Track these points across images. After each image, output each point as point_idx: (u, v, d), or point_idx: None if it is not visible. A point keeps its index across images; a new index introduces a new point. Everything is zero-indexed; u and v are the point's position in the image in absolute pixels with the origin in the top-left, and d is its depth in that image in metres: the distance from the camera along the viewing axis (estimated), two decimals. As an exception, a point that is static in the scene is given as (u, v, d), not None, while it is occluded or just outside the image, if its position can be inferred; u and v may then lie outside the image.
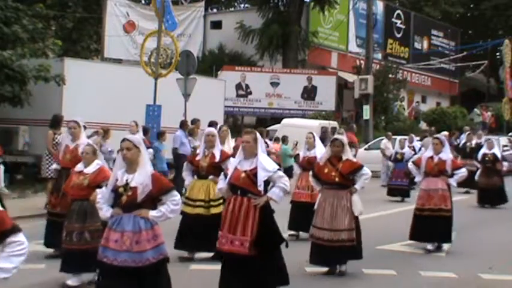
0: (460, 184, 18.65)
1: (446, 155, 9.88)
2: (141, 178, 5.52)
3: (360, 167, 8.17)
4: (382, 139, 22.48)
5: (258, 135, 6.72)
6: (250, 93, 31.54)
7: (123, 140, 5.66)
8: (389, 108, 31.99)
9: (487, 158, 15.91)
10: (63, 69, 16.65)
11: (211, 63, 32.44)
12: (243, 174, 6.47)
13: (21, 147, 16.74)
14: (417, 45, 41.72)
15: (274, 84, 31.65)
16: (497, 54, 41.74)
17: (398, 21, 40.23)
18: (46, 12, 21.83)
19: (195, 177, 9.12)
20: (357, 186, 8.12)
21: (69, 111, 14.93)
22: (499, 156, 16.11)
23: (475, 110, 36.04)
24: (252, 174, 6.44)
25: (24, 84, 16.13)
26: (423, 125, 33.73)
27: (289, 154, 18.33)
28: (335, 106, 31.92)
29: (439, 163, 9.83)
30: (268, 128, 23.65)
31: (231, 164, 6.77)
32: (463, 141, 19.63)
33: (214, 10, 43.04)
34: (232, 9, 43.87)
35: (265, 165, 6.48)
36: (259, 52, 33.41)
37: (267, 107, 31.76)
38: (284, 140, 19.00)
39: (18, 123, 16.84)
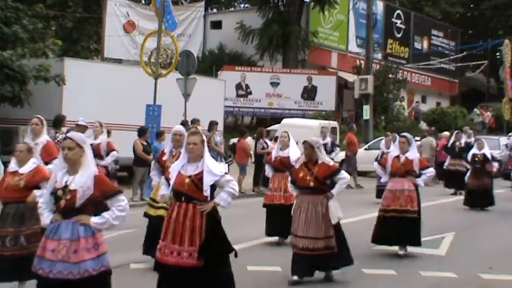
0: (449, 185, 18.40)
1: (413, 154, 9.50)
2: (82, 180, 5.05)
3: (337, 170, 7.78)
4: (382, 139, 22.48)
5: (204, 136, 6.23)
6: (250, 93, 31.55)
7: (65, 138, 5.30)
8: (389, 108, 32.00)
9: (476, 159, 15.35)
10: (63, 69, 16.66)
11: (211, 63, 32.45)
12: (187, 180, 5.95)
13: (21, 147, 16.72)
14: (417, 45, 41.72)
15: (274, 84, 31.65)
16: (497, 54, 41.74)
17: (398, 21, 40.23)
18: (46, 12, 21.85)
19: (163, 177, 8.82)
20: (333, 191, 7.68)
21: (69, 111, 14.94)
22: (489, 156, 15.50)
23: (475, 110, 36.05)
24: (198, 179, 5.93)
25: (24, 84, 16.14)
26: (423, 125, 33.71)
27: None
28: (335, 106, 31.93)
29: (405, 163, 9.44)
30: (268, 128, 23.67)
31: (173, 169, 6.17)
32: (451, 141, 19.05)
33: (214, 10, 43.05)
34: (232, 9, 43.89)
35: (212, 168, 5.97)
36: (259, 52, 33.41)
37: (267, 107, 31.76)
38: (284, 139, 18.98)
39: (18, 123, 16.83)
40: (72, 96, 16.46)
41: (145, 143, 15.14)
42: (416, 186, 9.48)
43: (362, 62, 31.49)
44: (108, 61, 28.81)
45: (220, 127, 19.83)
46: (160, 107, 16.75)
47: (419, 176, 9.52)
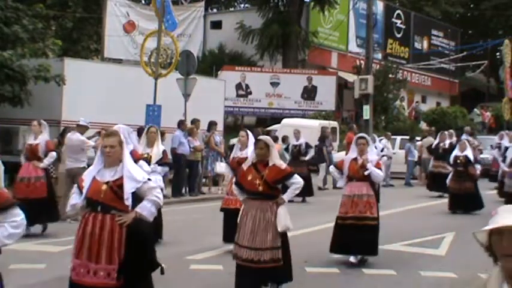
0: (432, 187, 17.86)
1: (372, 156, 8.87)
2: None
3: (289, 174, 6.93)
4: (382, 139, 22.50)
5: (123, 137, 5.59)
6: (250, 93, 31.55)
7: None
8: (389, 108, 32.01)
9: (458, 161, 14.74)
10: (63, 69, 16.66)
11: (211, 63, 32.44)
12: (104, 187, 5.29)
13: (21, 147, 16.73)
14: (417, 45, 41.73)
15: (274, 84, 31.65)
16: (497, 54, 41.74)
17: (399, 21, 40.24)
18: (46, 12, 21.83)
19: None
20: (284, 196, 6.90)
21: (69, 111, 14.96)
22: (472, 158, 14.87)
23: (475, 110, 36.06)
24: (116, 186, 5.26)
25: (24, 84, 16.14)
26: (423, 125, 33.73)
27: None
28: (335, 106, 31.93)
29: (364, 165, 8.76)
30: (268, 128, 23.67)
31: (86, 175, 5.49)
32: (435, 142, 18.41)
33: (214, 10, 43.05)
34: (232, 9, 43.88)
35: (133, 173, 5.32)
36: (259, 52, 33.42)
37: (267, 107, 31.76)
38: (284, 140, 19.00)
39: (18, 123, 16.84)
40: (72, 96, 16.47)
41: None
42: (375, 191, 8.92)
43: (362, 62, 31.48)
44: (108, 61, 28.81)
45: (220, 127, 19.84)
46: (160, 107, 16.74)
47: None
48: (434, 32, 43.17)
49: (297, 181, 6.96)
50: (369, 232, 8.59)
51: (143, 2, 37.49)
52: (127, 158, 5.41)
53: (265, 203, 6.82)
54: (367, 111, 27.94)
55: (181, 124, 16.53)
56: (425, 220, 13.36)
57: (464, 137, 23.69)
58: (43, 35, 18.94)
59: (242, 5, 45.32)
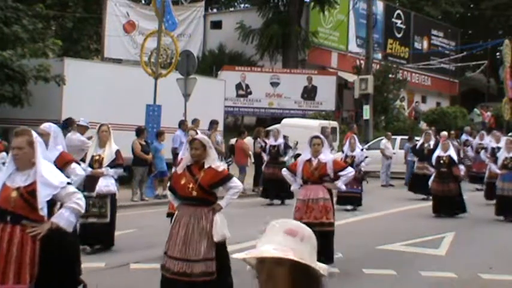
0: (417, 190, 17.14)
1: (327, 156, 8.32)
2: None
3: (226, 177, 6.32)
4: (382, 139, 22.51)
5: (36, 135, 5.00)
6: (250, 93, 31.54)
7: None
8: (390, 108, 32.00)
9: (441, 162, 13.94)
10: (63, 69, 16.66)
11: (211, 63, 32.44)
12: (14, 193, 4.62)
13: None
14: (417, 45, 41.71)
15: (274, 84, 31.65)
16: (497, 54, 41.74)
17: (399, 21, 40.23)
18: (46, 12, 21.85)
19: None
20: (222, 202, 6.30)
21: (69, 111, 14.96)
22: (456, 159, 14.16)
23: (475, 110, 36.05)
24: (28, 193, 4.62)
25: (24, 84, 16.15)
26: (423, 125, 33.72)
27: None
28: (335, 106, 31.94)
29: (318, 167, 8.21)
30: (268, 128, 23.68)
31: None
32: (420, 142, 17.66)
33: (214, 10, 43.03)
34: (232, 9, 43.86)
35: (48, 178, 4.67)
36: (259, 52, 33.41)
37: (267, 107, 31.75)
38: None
39: (18, 123, 16.82)
40: (72, 96, 16.47)
41: (143, 143, 15.16)
42: (331, 195, 8.39)
43: (362, 62, 31.49)
44: (108, 61, 28.81)
45: (220, 127, 19.85)
46: (160, 107, 16.75)
47: (335, 179, 8.39)
48: (434, 32, 43.16)
49: (236, 185, 6.33)
50: (324, 239, 7.77)
51: (143, 2, 37.48)
52: (40, 161, 4.71)
53: (199, 209, 6.18)
54: (367, 111, 27.97)
55: (182, 124, 16.54)
56: (425, 220, 13.36)
57: (464, 137, 23.74)
58: (43, 35, 18.96)
59: (242, 5, 45.29)
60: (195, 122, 17.16)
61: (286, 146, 16.58)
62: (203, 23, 35.70)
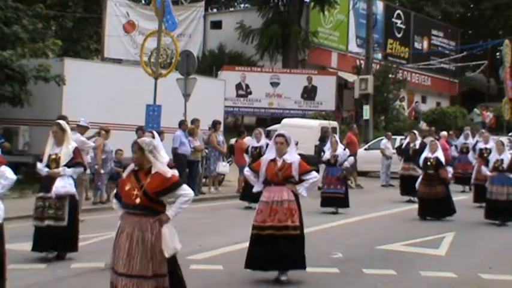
0: (403, 192, 16.47)
1: (292, 156, 7.69)
2: None
3: (175, 184, 5.72)
4: (382, 139, 22.49)
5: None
6: (250, 93, 31.54)
7: None
8: (390, 108, 32.01)
9: (428, 163, 13.45)
10: (63, 69, 16.65)
11: (211, 63, 32.44)
12: None
13: (21, 147, 16.74)
14: (417, 45, 41.72)
15: (274, 84, 31.65)
16: (497, 54, 41.74)
17: (399, 21, 40.23)
18: (46, 12, 21.82)
19: None
20: (170, 212, 5.69)
21: (69, 111, 14.94)
22: (443, 160, 13.59)
23: (475, 110, 36.04)
24: None
25: (24, 84, 16.15)
26: (423, 125, 33.72)
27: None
28: (335, 106, 31.94)
29: (283, 167, 7.63)
30: (269, 128, 23.67)
31: None
32: (405, 142, 17.16)
33: (214, 10, 43.03)
34: (232, 9, 43.85)
35: None
36: (259, 52, 33.40)
37: (267, 107, 31.76)
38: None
39: (18, 123, 16.84)
40: (72, 96, 16.46)
41: None
42: (297, 196, 7.68)
43: (362, 62, 31.50)
44: (108, 61, 28.80)
45: (221, 127, 19.85)
46: (160, 107, 16.74)
47: (299, 182, 7.71)
48: (434, 32, 43.17)
49: (186, 193, 5.74)
50: (290, 244, 7.50)
51: (143, 2, 37.47)
52: None
53: (144, 219, 5.60)
54: (367, 111, 27.99)
55: (182, 124, 16.53)
56: (425, 220, 13.35)
57: (461, 139, 23.62)
58: (43, 35, 18.93)
59: (242, 5, 45.28)
60: (195, 122, 17.15)
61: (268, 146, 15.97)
62: (203, 23, 35.69)
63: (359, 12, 36.30)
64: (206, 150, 17.65)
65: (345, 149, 15.07)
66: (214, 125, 17.63)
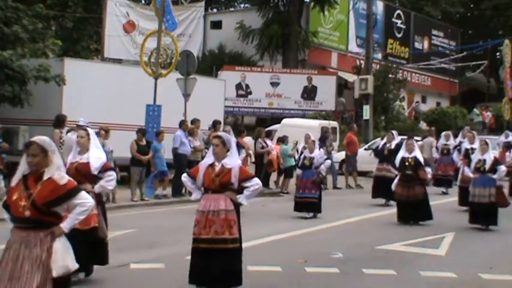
0: (377, 194, 15.64)
1: (232, 161, 6.88)
2: None
3: (70, 192, 4.84)
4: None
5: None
6: (250, 93, 31.56)
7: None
8: (390, 108, 32.02)
9: (406, 164, 12.66)
10: (63, 69, 16.65)
11: (211, 63, 32.46)
12: None
13: (21, 147, 16.73)
14: (417, 45, 41.75)
15: (274, 84, 31.67)
16: (497, 54, 41.75)
17: (399, 21, 40.25)
18: (46, 12, 21.83)
19: None
20: (64, 224, 4.85)
21: (69, 111, 14.96)
22: (422, 160, 12.87)
23: (475, 110, 36.06)
24: None
25: (24, 84, 16.15)
26: (423, 125, 33.74)
27: (289, 154, 18.36)
28: (335, 106, 31.96)
29: (221, 173, 6.82)
30: (269, 128, 23.68)
31: None
32: (382, 143, 16.49)
33: (214, 10, 43.06)
34: (232, 9, 43.87)
35: None
36: (259, 52, 33.44)
37: (267, 107, 31.78)
38: (284, 140, 19.02)
39: (18, 123, 16.84)
40: (72, 96, 16.46)
41: (143, 143, 15.17)
42: (236, 205, 6.89)
43: (362, 62, 31.51)
44: (108, 61, 28.81)
45: (221, 127, 19.85)
46: (160, 107, 16.75)
47: (241, 190, 6.90)
48: (434, 32, 43.19)
49: (84, 201, 4.89)
50: (227, 259, 6.78)
51: (143, 2, 37.49)
52: None
53: (34, 234, 4.74)
54: (367, 111, 27.99)
55: (182, 124, 16.54)
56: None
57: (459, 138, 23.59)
58: (43, 35, 18.93)
59: (242, 5, 45.31)
60: (195, 122, 17.16)
61: (239, 146, 14.69)
62: (203, 23, 35.73)
63: (359, 12, 36.31)
64: (206, 150, 17.64)
65: (320, 148, 14.24)
66: (215, 125, 17.62)
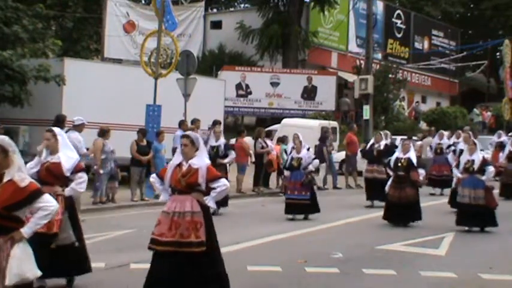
0: (370, 196, 15.33)
1: (200, 160, 6.57)
2: None
3: (32, 195, 4.63)
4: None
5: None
6: (250, 93, 31.57)
7: None
8: (390, 108, 32.03)
9: (399, 164, 12.48)
10: (63, 69, 16.65)
11: (211, 63, 32.48)
12: None
13: (21, 147, 16.73)
14: (417, 45, 41.77)
15: (274, 84, 31.68)
16: (497, 54, 41.77)
17: (399, 21, 40.27)
18: (46, 12, 21.82)
19: None
20: (25, 229, 4.62)
21: (69, 111, 14.95)
22: (415, 162, 12.62)
23: (475, 110, 36.09)
24: None
25: (24, 84, 16.15)
26: (423, 125, 33.75)
27: (289, 154, 18.36)
28: (335, 106, 31.97)
29: (188, 173, 6.51)
30: (269, 128, 23.69)
31: None
32: (370, 143, 16.29)
33: (214, 10, 43.07)
34: (232, 9, 43.89)
35: None
36: (259, 52, 33.45)
37: (267, 107, 31.79)
38: (284, 140, 19.02)
39: (18, 123, 16.84)
40: (72, 96, 16.46)
41: (143, 143, 15.19)
42: (204, 207, 6.51)
43: (362, 62, 31.51)
44: (108, 61, 28.81)
45: (220, 127, 19.87)
46: (160, 107, 16.75)
47: (208, 192, 6.58)
48: (434, 32, 43.20)
49: (46, 205, 4.67)
50: (194, 263, 6.38)
51: (143, 2, 37.50)
52: None
53: None
54: (367, 111, 27.97)
55: (182, 124, 16.55)
56: (425, 220, 13.32)
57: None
58: (43, 35, 18.93)
59: (242, 5, 45.33)
60: (195, 122, 17.16)
61: (227, 147, 14.52)
62: (203, 23, 35.74)
63: (359, 12, 36.32)
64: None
65: (309, 149, 13.97)
66: (215, 124, 17.63)
